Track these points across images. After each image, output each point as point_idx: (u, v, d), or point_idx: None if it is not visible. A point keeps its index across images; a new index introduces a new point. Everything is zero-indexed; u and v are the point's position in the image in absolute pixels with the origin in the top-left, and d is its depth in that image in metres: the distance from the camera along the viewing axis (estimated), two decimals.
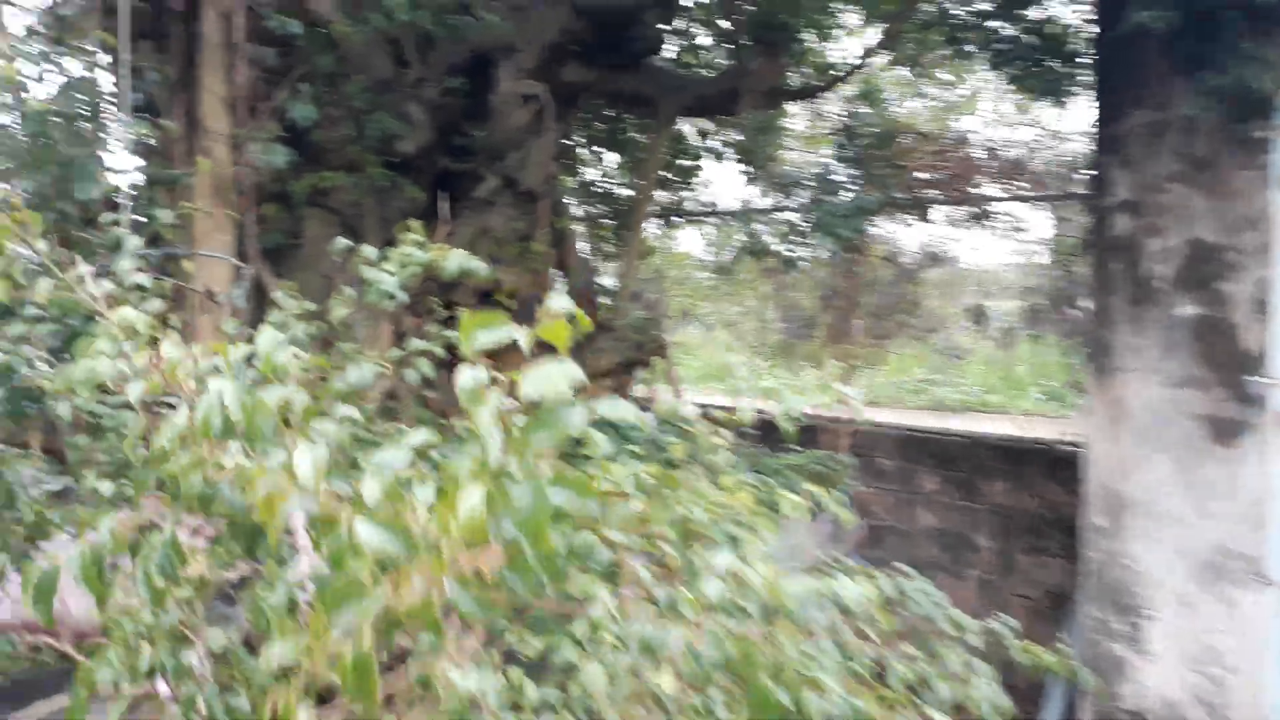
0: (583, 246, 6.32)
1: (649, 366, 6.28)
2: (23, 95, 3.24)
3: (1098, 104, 5.02)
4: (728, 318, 9.57)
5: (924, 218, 7.33)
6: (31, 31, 3.70)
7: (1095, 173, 5.02)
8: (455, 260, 2.49)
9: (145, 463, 1.46)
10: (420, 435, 1.27)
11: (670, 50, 6.78)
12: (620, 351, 5.68)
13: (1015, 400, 9.02)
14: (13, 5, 3.76)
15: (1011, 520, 7.20)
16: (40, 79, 3.36)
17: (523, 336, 0.98)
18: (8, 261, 1.66)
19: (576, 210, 7.24)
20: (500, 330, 0.97)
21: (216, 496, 1.17)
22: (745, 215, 6.28)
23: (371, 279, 2.41)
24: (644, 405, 6.78)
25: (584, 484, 0.90)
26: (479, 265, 2.49)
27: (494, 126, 5.69)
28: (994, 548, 7.32)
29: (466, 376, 0.95)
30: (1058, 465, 6.51)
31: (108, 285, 1.61)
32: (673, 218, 8.22)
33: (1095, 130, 5.03)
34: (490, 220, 5.57)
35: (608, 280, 6.33)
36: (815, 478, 6.04)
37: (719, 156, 7.81)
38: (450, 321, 5.50)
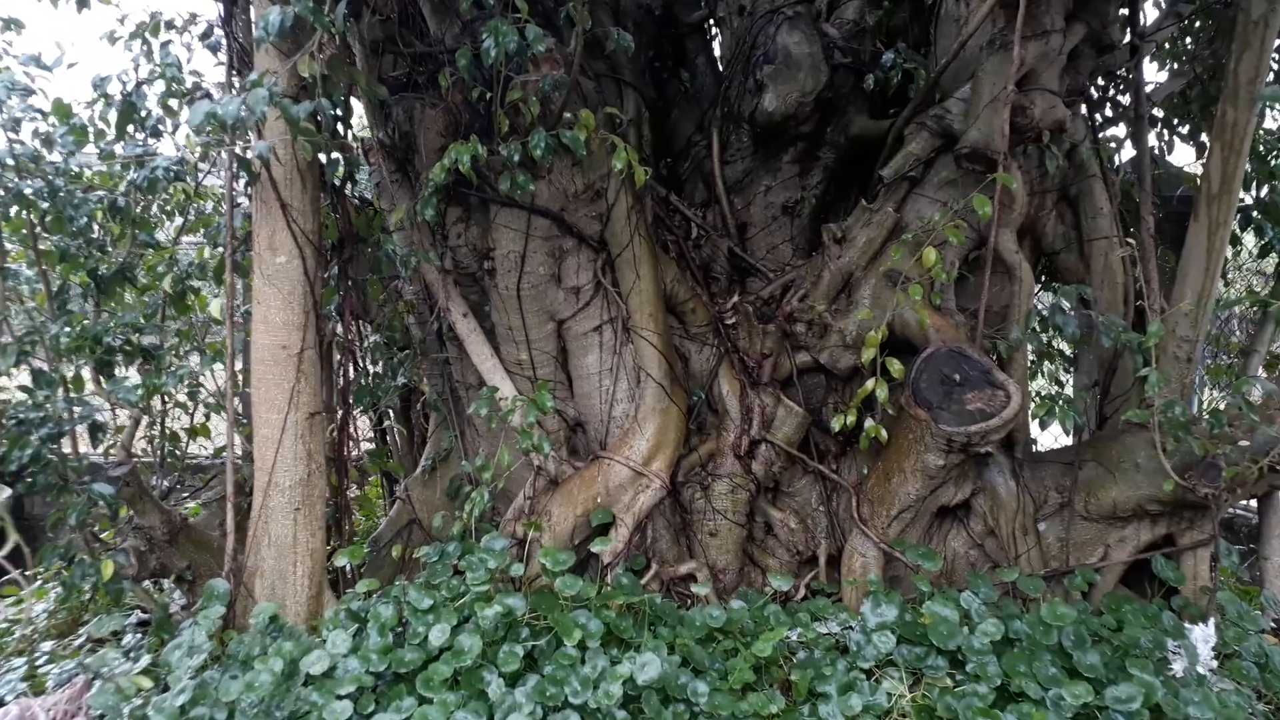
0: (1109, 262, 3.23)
1: (1252, 495, 2.96)
2: None
3: None
4: None
5: None
6: None
7: None
8: None
9: None
10: None
11: None
12: (1153, 479, 2.64)
13: None
14: None
15: None
16: None
17: None
18: None
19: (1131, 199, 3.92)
20: None
21: None
22: None
23: None
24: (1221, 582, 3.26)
25: None
26: None
27: (934, 49, 3.27)
28: None
29: None
30: None
31: None
32: None
33: None
34: (911, 208, 3.20)
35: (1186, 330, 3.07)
36: None
37: None
38: (840, 386, 3.19)
